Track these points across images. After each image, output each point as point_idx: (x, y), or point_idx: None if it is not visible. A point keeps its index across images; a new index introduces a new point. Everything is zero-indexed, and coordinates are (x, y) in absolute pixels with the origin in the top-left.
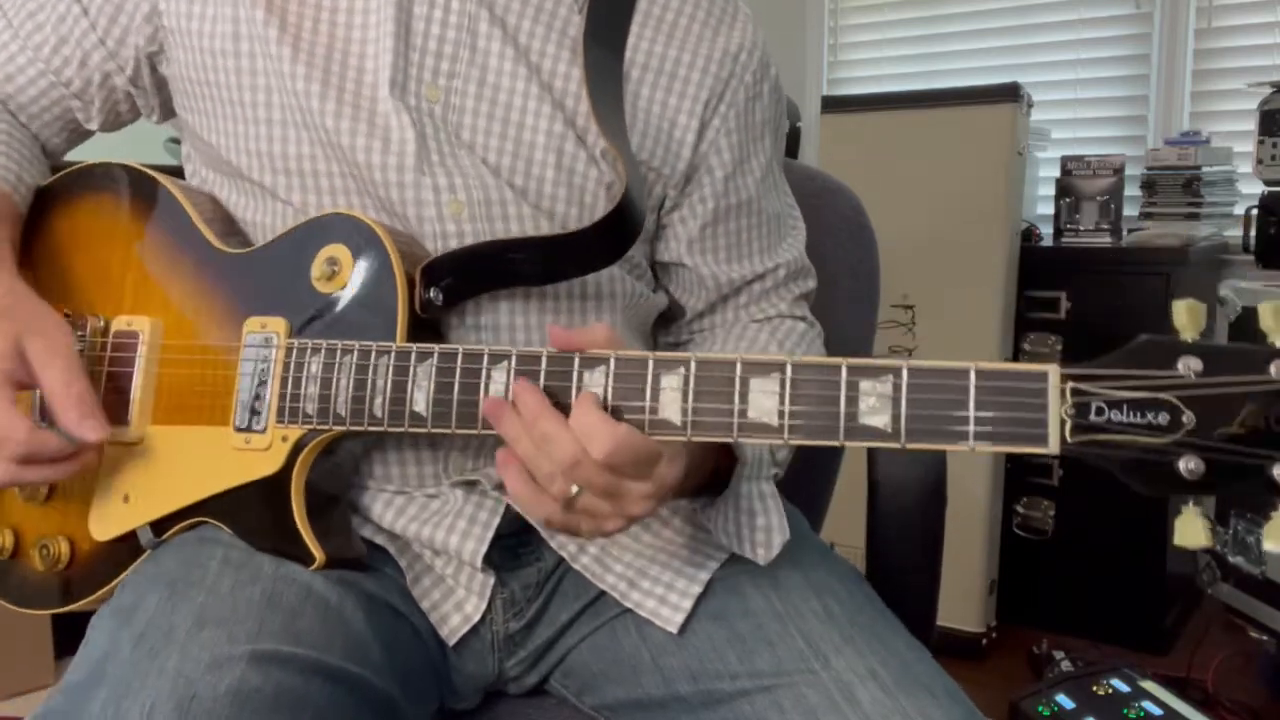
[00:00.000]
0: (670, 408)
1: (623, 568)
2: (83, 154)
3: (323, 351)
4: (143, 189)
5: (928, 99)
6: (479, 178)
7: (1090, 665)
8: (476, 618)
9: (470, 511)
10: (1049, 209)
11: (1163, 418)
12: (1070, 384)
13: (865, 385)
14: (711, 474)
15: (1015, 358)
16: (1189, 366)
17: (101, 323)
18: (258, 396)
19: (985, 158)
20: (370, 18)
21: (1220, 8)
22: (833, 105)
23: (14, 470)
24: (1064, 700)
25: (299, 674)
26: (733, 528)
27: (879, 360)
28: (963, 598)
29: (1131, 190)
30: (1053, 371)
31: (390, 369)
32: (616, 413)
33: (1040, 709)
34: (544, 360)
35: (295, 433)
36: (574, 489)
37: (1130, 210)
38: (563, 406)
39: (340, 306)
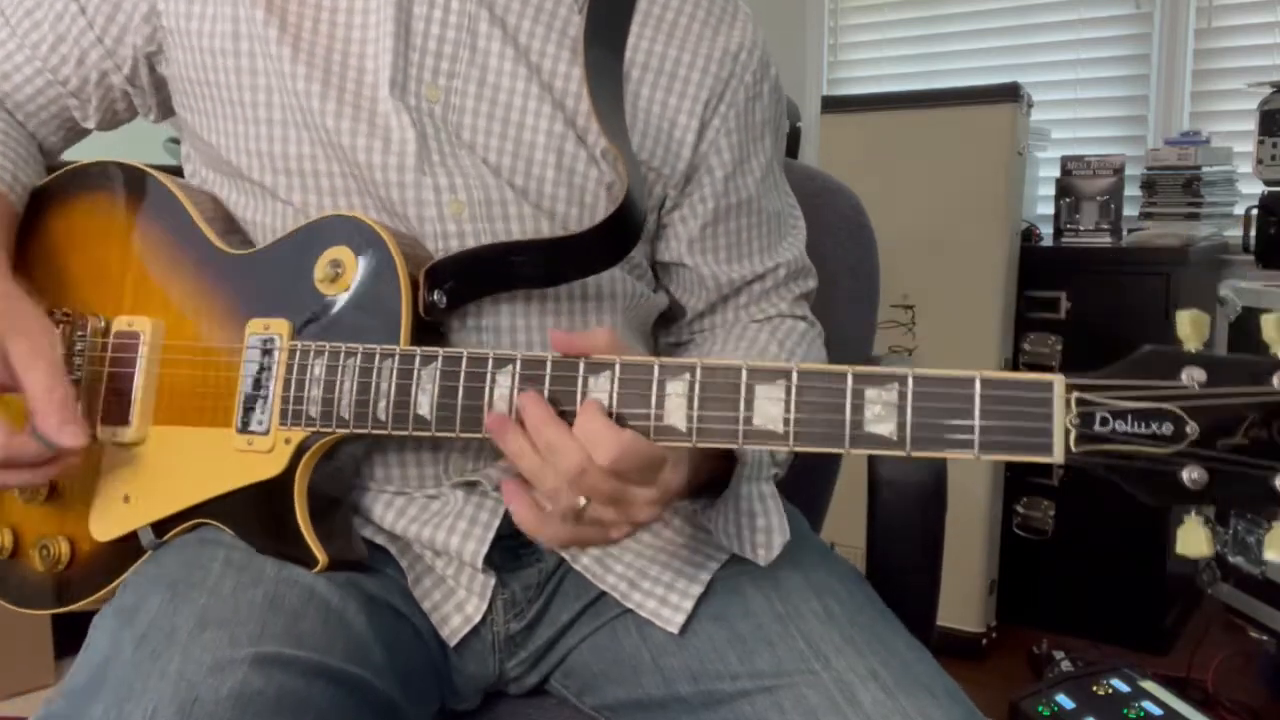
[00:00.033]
0: (675, 414)
1: (623, 568)
2: (83, 154)
3: (326, 354)
4: (143, 188)
5: (928, 99)
6: (479, 178)
7: (1090, 665)
8: (477, 618)
9: (471, 512)
10: (1049, 209)
11: (1167, 428)
12: (1075, 394)
13: (870, 393)
14: (711, 475)
15: (1015, 358)
16: (1193, 377)
17: (102, 323)
18: (260, 398)
19: (985, 158)
20: (370, 18)
21: (1220, 8)
22: (833, 105)
23: None
24: (1064, 700)
25: (301, 676)
26: (733, 529)
27: (884, 368)
28: (963, 598)
29: (1131, 190)
30: (1058, 381)
31: (394, 372)
32: (621, 419)
33: (1040, 709)
34: (549, 365)
35: (298, 435)
36: (581, 501)
37: (1130, 210)
38: (567, 413)
39: (343, 309)
